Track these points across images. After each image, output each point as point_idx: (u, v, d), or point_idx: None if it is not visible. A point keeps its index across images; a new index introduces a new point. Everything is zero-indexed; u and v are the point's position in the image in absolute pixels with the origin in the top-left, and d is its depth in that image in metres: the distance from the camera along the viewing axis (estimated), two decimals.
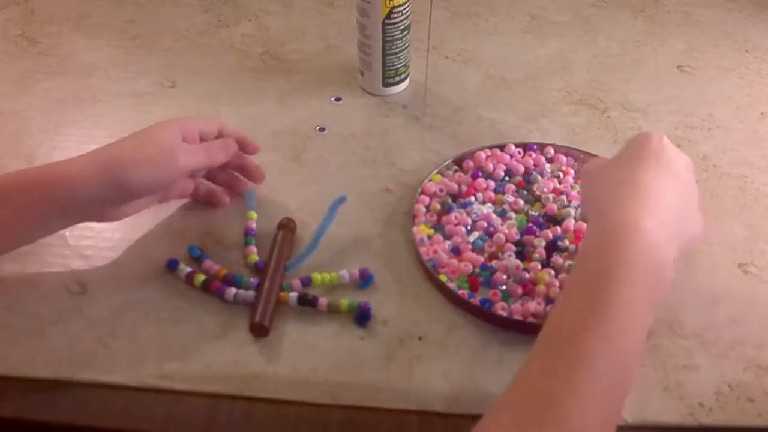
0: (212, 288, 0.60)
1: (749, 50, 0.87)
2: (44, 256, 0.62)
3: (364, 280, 0.61)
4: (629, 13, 0.93)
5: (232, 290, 0.59)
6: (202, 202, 0.67)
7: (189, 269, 0.61)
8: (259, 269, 0.61)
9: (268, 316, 0.57)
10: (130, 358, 0.56)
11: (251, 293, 0.59)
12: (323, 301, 0.59)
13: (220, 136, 0.65)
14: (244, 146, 0.67)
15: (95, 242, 0.64)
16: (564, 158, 0.70)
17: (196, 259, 0.62)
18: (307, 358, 0.56)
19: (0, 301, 0.59)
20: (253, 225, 0.64)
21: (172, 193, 0.65)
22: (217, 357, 0.56)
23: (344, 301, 0.59)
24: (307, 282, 0.60)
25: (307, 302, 0.59)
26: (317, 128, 0.76)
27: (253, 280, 0.60)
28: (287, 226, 0.64)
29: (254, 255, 0.62)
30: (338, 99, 0.79)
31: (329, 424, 0.53)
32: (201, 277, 0.60)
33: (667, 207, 0.52)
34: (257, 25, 0.89)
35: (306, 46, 0.86)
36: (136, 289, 0.61)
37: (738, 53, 0.86)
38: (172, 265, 0.61)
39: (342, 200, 0.63)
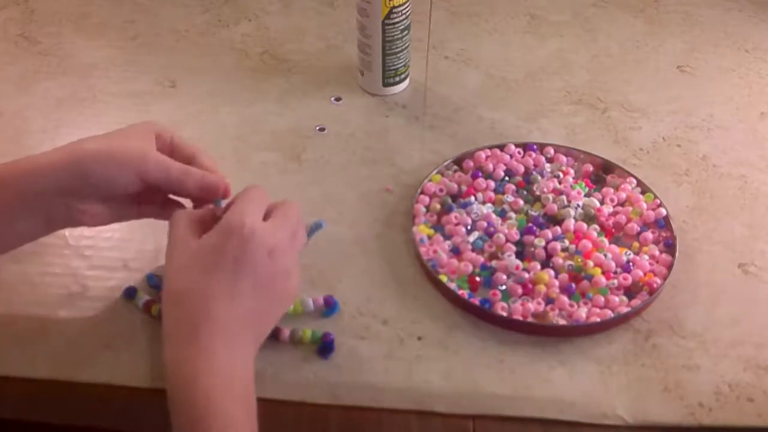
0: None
1: (749, 50, 0.87)
2: (44, 256, 0.62)
3: (329, 308, 0.58)
4: (629, 13, 0.93)
5: None
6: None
7: (147, 297, 0.58)
8: None
9: None
10: (129, 358, 0.56)
11: None
12: (285, 332, 0.56)
13: (194, 161, 0.58)
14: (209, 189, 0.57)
15: (95, 242, 0.64)
16: (564, 158, 0.70)
17: (154, 287, 0.60)
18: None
19: (0, 301, 0.59)
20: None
21: (144, 210, 0.59)
22: None
23: (307, 332, 0.56)
24: None
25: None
26: (317, 128, 0.76)
27: None
28: None
29: None
30: (338, 99, 0.79)
31: (329, 425, 0.53)
32: (158, 307, 0.57)
33: (244, 321, 0.50)
34: (257, 25, 0.89)
35: (306, 46, 0.86)
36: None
37: (738, 53, 0.86)
38: (130, 294, 0.59)
39: (318, 227, 0.58)
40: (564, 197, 0.66)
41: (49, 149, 0.72)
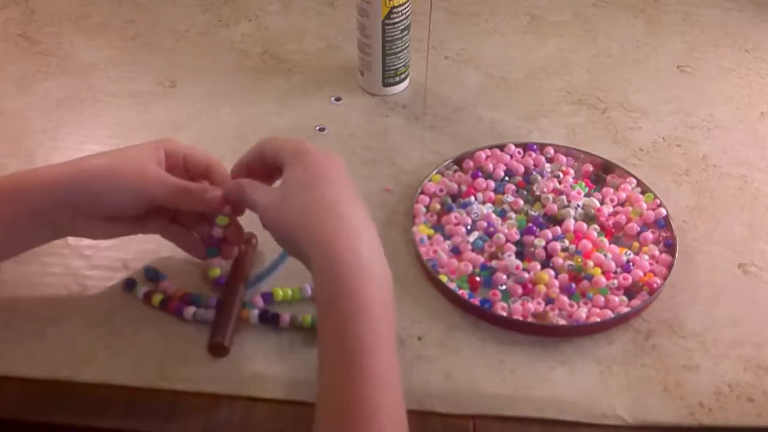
0: (170, 308, 0.58)
1: (749, 50, 0.87)
2: (44, 256, 0.62)
3: None
4: (629, 13, 0.93)
5: (191, 309, 0.57)
6: (174, 242, 0.61)
7: (146, 288, 0.59)
8: (219, 285, 0.59)
9: (227, 335, 0.55)
10: (129, 358, 0.56)
11: (211, 312, 0.57)
12: (285, 317, 0.57)
13: (209, 174, 0.59)
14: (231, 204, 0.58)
15: (95, 242, 0.63)
16: (564, 158, 0.70)
17: (151, 279, 0.61)
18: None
19: (0, 301, 0.59)
20: (220, 232, 0.59)
21: (149, 226, 0.59)
22: (209, 358, 0.56)
23: (307, 317, 0.57)
24: (268, 298, 0.58)
25: (268, 320, 0.57)
26: (317, 128, 0.76)
27: (213, 298, 0.58)
28: (248, 242, 0.61)
29: (216, 269, 0.59)
30: (338, 99, 0.79)
31: None
32: (158, 297, 0.58)
33: (365, 222, 0.52)
34: (257, 25, 0.89)
35: (306, 46, 0.86)
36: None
37: (738, 53, 0.86)
38: (130, 285, 0.60)
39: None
40: (564, 197, 0.66)
41: (49, 149, 0.73)
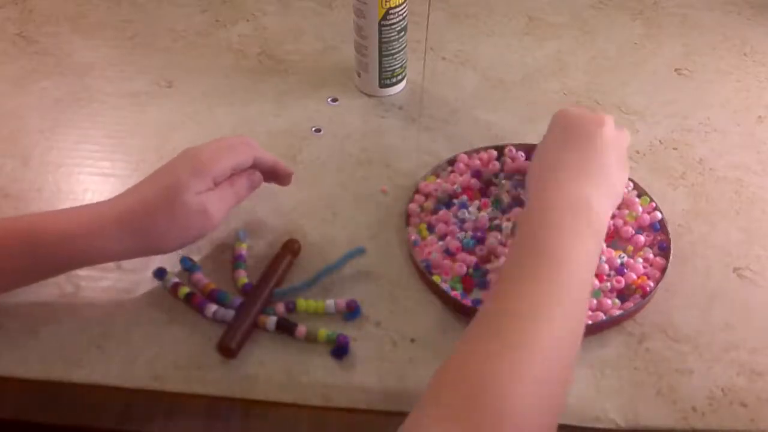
0: (194, 302, 0.59)
1: (747, 53, 0.87)
2: None
3: (351, 312, 0.58)
4: (627, 15, 0.92)
5: (212, 307, 0.58)
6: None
7: (175, 280, 0.60)
8: (246, 291, 0.59)
9: (237, 339, 0.55)
10: (122, 359, 0.56)
11: (231, 312, 0.58)
12: (302, 329, 0.57)
13: (254, 163, 0.62)
14: (276, 175, 0.64)
15: None
16: None
17: (187, 270, 0.61)
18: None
19: None
20: (243, 252, 0.62)
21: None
22: (208, 359, 0.56)
23: (323, 332, 0.57)
24: (291, 308, 0.59)
25: (285, 328, 0.57)
26: (313, 129, 0.76)
27: (237, 299, 0.59)
28: (290, 248, 0.62)
29: (243, 278, 0.60)
30: (335, 100, 0.79)
31: (328, 426, 0.53)
32: (185, 290, 0.59)
33: (591, 168, 0.57)
34: (255, 25, 0.89)
35: (303, 46, 0.86)
36: (129, 290, 0.61)
37: (736, 56, 0.86)
38: (160, 274, 0.61)
39: (359, 251, 0.61)
40: None
41: (45, 149, 0.73)
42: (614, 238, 0.64)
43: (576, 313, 0.49)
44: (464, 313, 0.59)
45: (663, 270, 0.61)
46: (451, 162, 0.70)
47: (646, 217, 0.65)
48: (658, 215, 0.65)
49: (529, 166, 0.61)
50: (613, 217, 0.65)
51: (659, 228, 0.64)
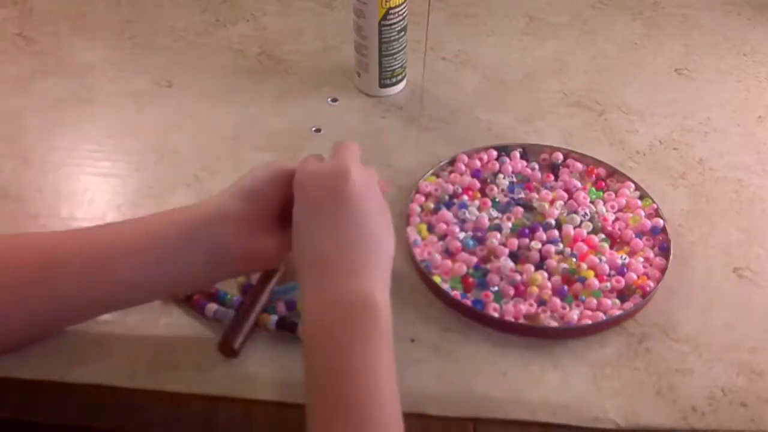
0: (194, 302, 0.58)
1: (747, 53, 0.87)
2: None
3: None
4: (628, 15, 0.92)
5: (212, 307, 0.58)
6: None
7: None
8: (245, 291, 0.59)
9: (238, 338, 0.55)
10: (122, 359, 0.56)
11: (231, 312, 0.58)
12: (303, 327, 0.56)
13: None
14: None
15: None
16: (575, 163, 0.70)
17: None
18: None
19: None
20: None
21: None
22: (208, 359, 0.56)
23: None
24: (292, 306, 0.59)
25: (285, 327, 0.57)
26: (313, 129, 0.76)
27: (237, 299, 0.59)
28: None
29: (242, 277, 0.60)
30: (335, 100, 0.79)
31: None
32: None
33: (372, 244, 0.51)
34: (255, 25, 0.89)
35: (303, 46, 0.86)
36: None
37: (736, 56, 0.86)
38: None
39: None
40: (561, 203, 0.66)
41: (45, 149, 0.73)
42: (616, 242, 0.64)
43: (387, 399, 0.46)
44: (464, 312, 0.59)
45: (663, 270, 0.61)
46: (451, 162, 0.70)
47: (647, 223, 0.64)
48: (660, 222, 0.64)
49: (293, 246, 0.52)
50: (617, 220, 0.65)
51: (659, 229, 0.64)
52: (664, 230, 0.64)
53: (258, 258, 0.55)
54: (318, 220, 0.51)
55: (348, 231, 0.50)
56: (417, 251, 0.62)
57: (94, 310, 0.55)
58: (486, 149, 0.71)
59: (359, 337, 0.47)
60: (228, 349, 0.55)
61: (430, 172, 0.69)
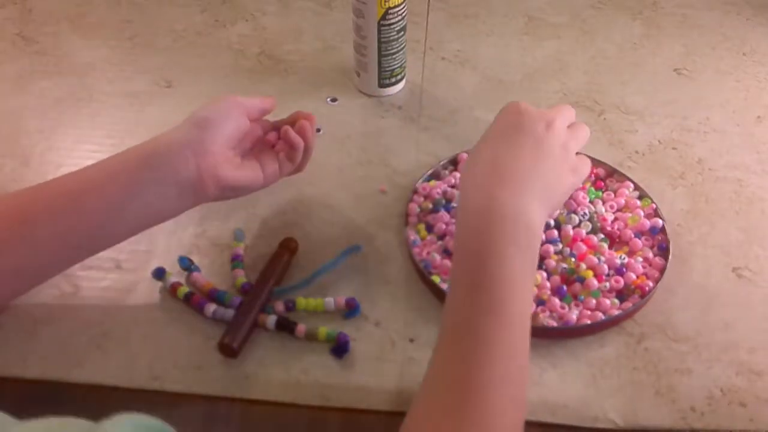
0: (193, 302, 0.59)
1: (747, 53, 0.87)
2: None
3: (351, 310, 0.59)
4: (627, 15, 0.92)
5: (212, 307, 0.58)
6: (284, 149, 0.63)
7: (174, 280, 0.60)
8: (244, 291, 0.60)
9: (238, 338, 0.56)
10: (122, 359, 0.56)
11: (231, 312, 0.58)
12: (302, 328, 0.57)
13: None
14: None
15: None
16: None
17: (185, 270, 0.62)
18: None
19: None
20: (240, 251, 0.63)
21: (267, 168, 0.62)
22: (208, 359, 0.56)
23: (323, 330, 0.57)
24: (291, 306, 0.59)
25: (285, 327, 0.57)
26: None
27: (236, 299, 0.59)
28: (288, 247, 0.62)
29: (241, 278, 0.61)
30: (334, 100, 0.79)
31: (327, 426, 0.53)
32: (184, 290, 0.59)
33: (531, 176, 0.54)
34: (254, 25, 0.89)
35: (303, 46, 0.86)
36: (128, 290, 0.61)
37: (736, 56, 0.86)
38: (159, 274, 0.61)
39: (355, 249, 0.62)
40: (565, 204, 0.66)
41: (45, 148, 0.73)
42: (615, 242, 0.64)
43: (522, 334, 0.49)
44: None
45: (662, 270, 0.61)
46: (451, 162, 0.70)
47: (647, 223, 0.64)
48: (659, 222, 0.64)
49: (467, 160, 0.59)
50: (617, 220, 0.65)
51: (658, 229, 0.64)
52: (663, 230, 0.64)
53: (230, 186, 0.59)
54: (506, 154, 0.55)
55: (527, 173, 0.54)
56: (416, 251, 0.62)
57: (75, 255, 0.56)
58: None
59: (520, 247, 0.51)
60: (229, 349, 0.55)
61: (430, 172, 0.69)
